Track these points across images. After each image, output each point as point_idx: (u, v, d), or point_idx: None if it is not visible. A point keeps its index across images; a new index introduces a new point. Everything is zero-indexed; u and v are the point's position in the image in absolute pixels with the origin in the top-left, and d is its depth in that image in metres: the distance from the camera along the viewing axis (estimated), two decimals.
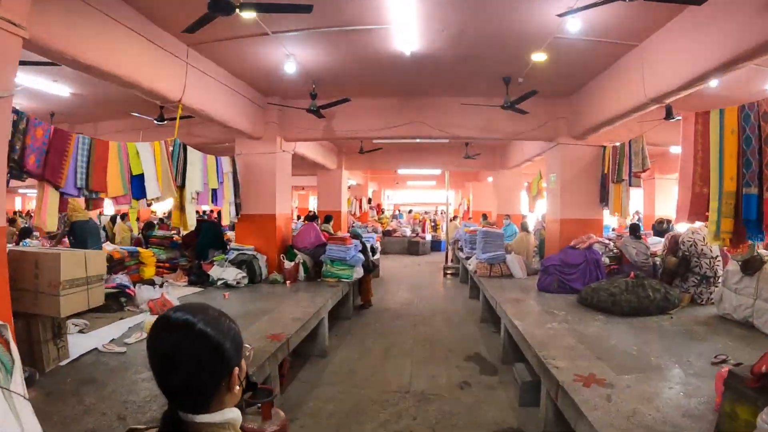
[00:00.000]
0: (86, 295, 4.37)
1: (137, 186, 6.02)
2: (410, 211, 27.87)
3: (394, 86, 8.56)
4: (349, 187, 20.16)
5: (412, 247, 20.30)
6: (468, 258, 11.31)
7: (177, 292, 7.51)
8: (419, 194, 34.34)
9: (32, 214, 16.65)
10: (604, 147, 8.84)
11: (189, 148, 7.11)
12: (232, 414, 1.26)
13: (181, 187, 6.94)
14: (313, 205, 26.94)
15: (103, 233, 14.23)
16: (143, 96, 5.99)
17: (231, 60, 7.11)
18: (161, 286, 7.04)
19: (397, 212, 29.65)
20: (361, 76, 7.92)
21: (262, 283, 8.62)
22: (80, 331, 5.30)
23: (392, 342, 7.50)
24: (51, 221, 5.05)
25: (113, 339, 5.04)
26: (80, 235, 6.57)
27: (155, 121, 8.71)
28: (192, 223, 7.16)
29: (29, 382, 3.60)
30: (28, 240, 7.41)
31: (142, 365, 4.21)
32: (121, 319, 5.89)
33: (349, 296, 9.02)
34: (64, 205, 5.35)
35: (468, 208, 23.29)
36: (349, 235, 10.41)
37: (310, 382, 5.86)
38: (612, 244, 8.65)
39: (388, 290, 12.00)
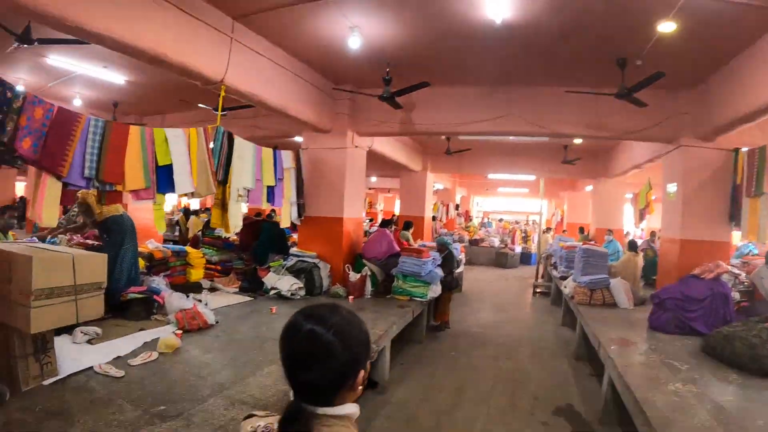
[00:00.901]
0: (74, 307, 3.61)
1: (164, 179, 5.15)
2: (501, 220, 26.20)
3: (482, 71, 7.23)
4: (435, 192, 19.10)
5: (501, 259, 18.92)
6: (563, 278, 9.78)
7: (219, 300, 6.73)
8: (510, 202, 32.44)
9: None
10: (737, 151, 7.04)
11: (237, 138, 6.20)
12: (351, 409, 1.31)
13: (224, 183, 6.02)
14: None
15: (176, 228, 14.04)
16: (176, 73, 5.18)
17: (287, 37, 6.14)
18: (185, 293, 6.11)
19: (486, 220, 28.04)
20: (444, 57, 6.66)
21: (321, 296, 7.61)
22: (89, 341, 4.61)
23: (467, 379, 6.21)
24: (48, 215, 4.32)
25: (118, 356, 4.26)
26: (115, 231, 5.81)
27: (213, 111, 7.93)
28: (236, 224, 6.24)
29: None
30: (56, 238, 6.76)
31: (131, 400, 3.40)
32: (142, 330, 5.11)
33: (422, 317, 7.78)
34: (68, 197, 4.58)
35: (562, 219, 21.45)
36: (431, 244, 9.31)
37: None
38: (743, 275, 6.93)
39: (470, 308, 10.67)
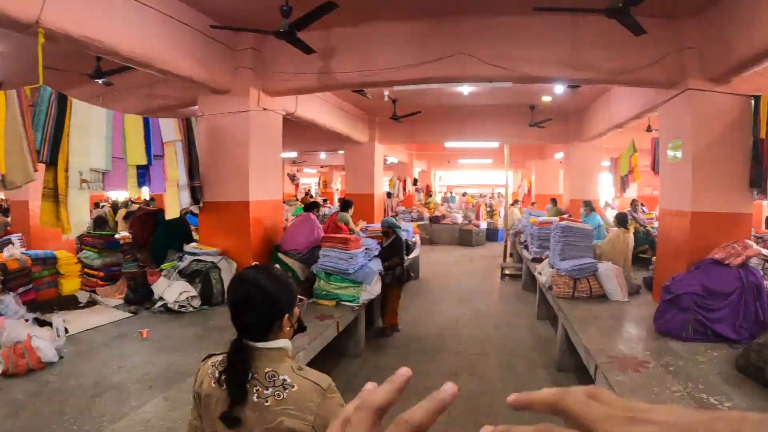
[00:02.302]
0: None
1: None
2: (464, 194, 24.75)
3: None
4: (390, 166, 18.02)
5: (465, 237, 17.31)
6: (536, 260, 8.24)
7: (87, 320, 5.16)
8: (475, 175, 31.25)
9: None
10: (756, 97, 5.39)
11: (76, 102, 4.34)
12: (282, 343, 1.63)
13: (53, 164, 4.22)
14: None
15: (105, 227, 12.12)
16: None
17: None
18: (46, 311, 4.35)
19: (449, 195, 26.62)
20: None
21: (221, 305, 5.78)
22: None
23: None
24: None
25: None
26: None
27: (90, 78, 6.16)
28: (80, 221, 4.45)
29: None
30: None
31: None
32: None
33: (357, 325, 6.06)
34: None
35: (529, 191, 20.03)
36: (377, 227, 7.81)
37: None
38: None
39: (427, 300, 9.04)
